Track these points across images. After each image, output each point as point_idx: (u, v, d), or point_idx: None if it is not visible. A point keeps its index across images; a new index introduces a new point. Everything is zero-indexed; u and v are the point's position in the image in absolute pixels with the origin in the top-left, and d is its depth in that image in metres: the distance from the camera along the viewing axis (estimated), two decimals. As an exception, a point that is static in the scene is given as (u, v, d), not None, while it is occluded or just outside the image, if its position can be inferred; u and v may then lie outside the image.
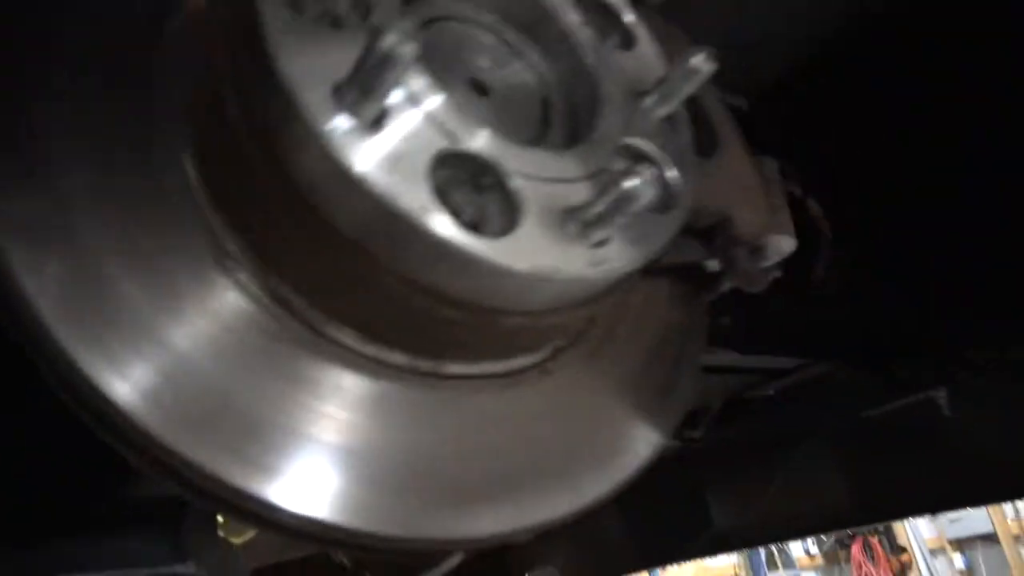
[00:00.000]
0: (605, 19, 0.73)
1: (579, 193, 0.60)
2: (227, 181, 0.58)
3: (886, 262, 1.04)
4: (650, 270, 0.66)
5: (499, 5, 0.70)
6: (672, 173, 0.64)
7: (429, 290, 0.55)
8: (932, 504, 1.35)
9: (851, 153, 1.03)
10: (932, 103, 0.94)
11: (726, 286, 0.82)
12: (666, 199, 0.65)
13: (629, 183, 0.57)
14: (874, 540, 7.49)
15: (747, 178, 0.84)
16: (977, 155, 0.91)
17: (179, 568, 0.70)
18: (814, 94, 1.03)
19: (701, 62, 0.65)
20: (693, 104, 0.79)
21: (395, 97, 0.53)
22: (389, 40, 0.48)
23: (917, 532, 7.48)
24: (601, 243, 0.59)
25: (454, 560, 0.89)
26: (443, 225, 0.52)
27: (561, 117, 0.70)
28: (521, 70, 0.70)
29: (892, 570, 7.39)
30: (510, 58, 0.70)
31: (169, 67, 0.60)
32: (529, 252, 0.55)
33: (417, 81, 0.55)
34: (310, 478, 0.55)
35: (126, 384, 0.51)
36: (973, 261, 0.97)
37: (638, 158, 0.65)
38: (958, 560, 7.44)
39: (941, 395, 1.14)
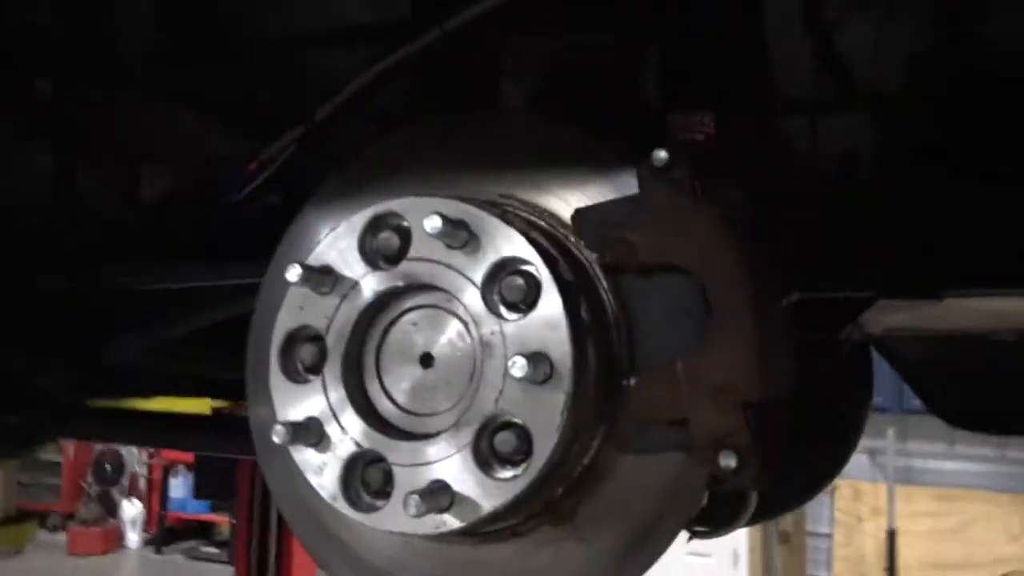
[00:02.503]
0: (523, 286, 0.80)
1: (441, 471, 0.79)
2: None
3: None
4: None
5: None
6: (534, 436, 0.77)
7: None
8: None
9: None
10: None
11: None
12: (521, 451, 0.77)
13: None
14: None
15: (730, 374, 0.76)
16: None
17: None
18: None
19: None
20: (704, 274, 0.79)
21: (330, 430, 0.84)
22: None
23: None
24: (445, 509, 0.77)
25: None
26: (342, 506, 0.82)
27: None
28: (457, 337, 0.84)
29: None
30: (445, 327, 0.85)
31: None
32: (391, 519, 0.80)
33: (346, 418, 0.84)
34: None
35: None
36: None
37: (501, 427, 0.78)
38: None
39: None
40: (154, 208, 1.69)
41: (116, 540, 9.30)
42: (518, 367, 0.74)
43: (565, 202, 0.87)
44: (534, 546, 0.85)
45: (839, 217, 1.24)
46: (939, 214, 1.20)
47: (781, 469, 0.85)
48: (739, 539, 8.48)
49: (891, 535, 6.77)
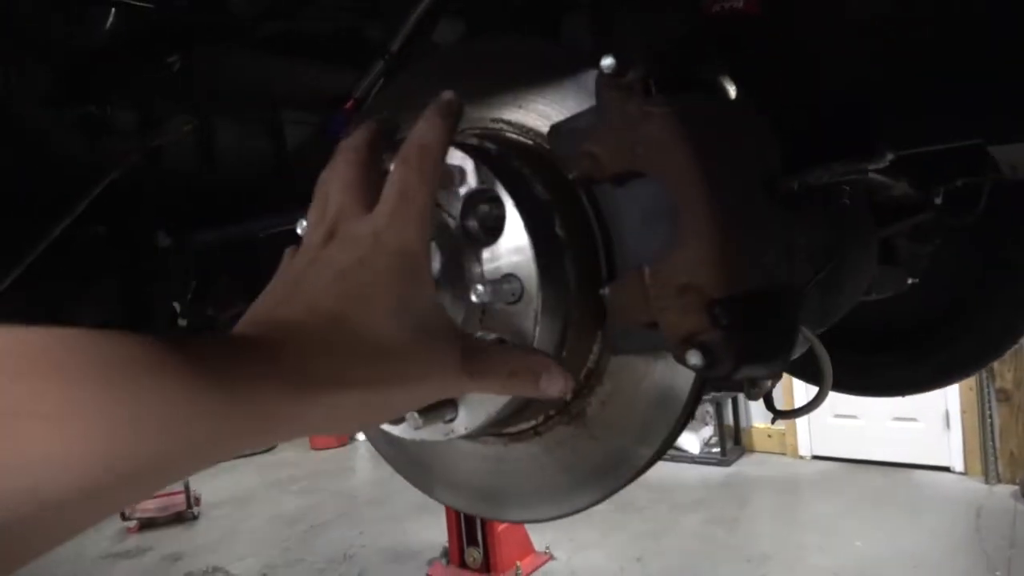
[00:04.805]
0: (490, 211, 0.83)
1: None
2: None
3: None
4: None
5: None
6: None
7: None
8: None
9: None
10: None
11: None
12: None
13: None
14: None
15: (692, 275, 0.76)
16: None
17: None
18: None
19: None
20: (662, 176, 0.77)
21: None
22: None
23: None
24: (451, 420, 0.86)
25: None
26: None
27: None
28: (449, 269, 0.87)
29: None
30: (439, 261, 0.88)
31: None
32: (407, 429, 0.86)
33: None
34: None
35: None
36: None
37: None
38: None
39: None
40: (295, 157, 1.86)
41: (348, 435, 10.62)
42: (476, 294, 0.80)
43: (547, 119, 0.89)
44: (554, 444, 0.94)
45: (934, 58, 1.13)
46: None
47: (782, 353, 0.84)
48: (950, 400, 7.97)
49: None
